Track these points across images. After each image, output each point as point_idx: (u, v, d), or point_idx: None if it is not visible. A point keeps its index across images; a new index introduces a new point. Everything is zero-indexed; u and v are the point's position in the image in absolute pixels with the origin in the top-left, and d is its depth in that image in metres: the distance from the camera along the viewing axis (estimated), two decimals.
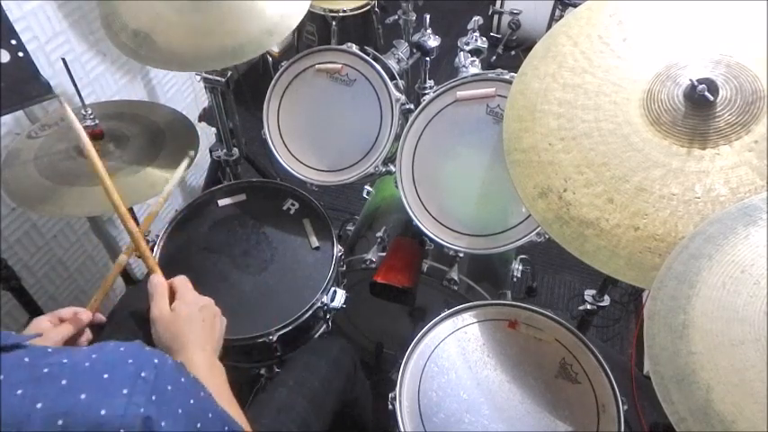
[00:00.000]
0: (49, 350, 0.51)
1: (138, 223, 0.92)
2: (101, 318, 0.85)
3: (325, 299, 1.17)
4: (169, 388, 0.52)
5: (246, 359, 1.20)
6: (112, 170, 1.10)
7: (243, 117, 1.58)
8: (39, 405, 0.45)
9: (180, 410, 0.51)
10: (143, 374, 0.50)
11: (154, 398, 0.49)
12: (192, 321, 0.77)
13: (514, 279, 1.44)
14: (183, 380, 0.55)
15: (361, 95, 1.24)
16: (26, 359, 0.48)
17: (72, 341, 0.80)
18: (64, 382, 0.47)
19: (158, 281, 0.81)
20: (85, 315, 0.82)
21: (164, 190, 1.04)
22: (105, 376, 0.49)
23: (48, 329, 0.77)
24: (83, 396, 0.46)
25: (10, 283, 1.25)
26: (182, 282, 0.83)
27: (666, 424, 0.61)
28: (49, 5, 1.34)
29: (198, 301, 0.81)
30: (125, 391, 0.48)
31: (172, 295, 0.82)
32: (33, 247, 1.47)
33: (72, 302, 1.64)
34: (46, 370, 0.47)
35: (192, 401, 0.54)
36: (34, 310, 1.36)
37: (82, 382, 0.48)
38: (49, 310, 1.45)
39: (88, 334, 0.83)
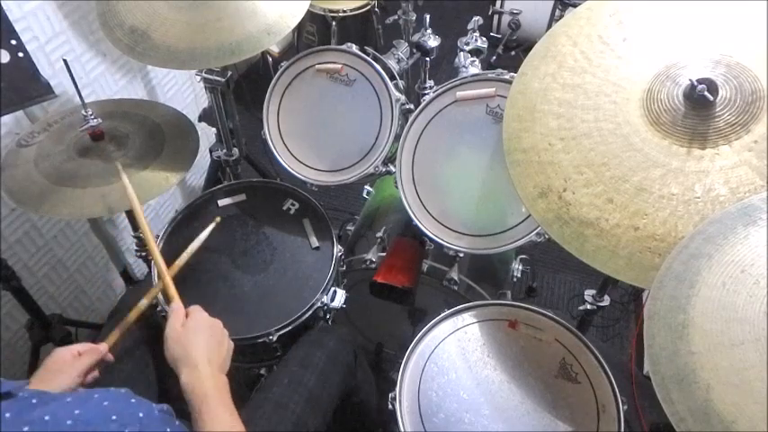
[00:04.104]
0: (34, 401, 0.50)
1: None
2: (110, 357, 0.89)
3: (326, 299, 1.17)
4: None
5: (246, 359, 1.20)
6: (113, 171, 1.10)
7: (243, 117, 1.58)
8: None
9: None
10: (126, 431, 0.50)
11: None
12: (199, 335, 0.83)
13: (514, 279, 1.44)
14: (168, 430, 0.55)
15: (361, 95, 1.24)
16: (7, 415, 0.47)
17: (83, 375, 0.83)
18: None
19: (177, 306, 0.87)
20: (102, 348, 0.87)
21: (189, 247, 1.09)
22: None
23: (68, 362, 0.81)
24: None
25: (10, 283, 1.25)
26: (196, 308, 0.89)
27: (666, 424, 0.61)
28: (48, 5, 1.34)
29: (207, 319, 0.87)
30: None
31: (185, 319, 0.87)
32: (33, 247, 1.47)
33: (72, 303, 1.65)
34: (26, 429, 0.46)
35: None
36: (34, 311, 1.36)
37: None
38: (49, 311, 1.46)
39: (95, 372, 0.87)
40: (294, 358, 1.09)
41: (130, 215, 1.46)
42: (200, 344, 0.81)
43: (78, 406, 0.50)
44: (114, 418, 0.50)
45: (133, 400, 0.54)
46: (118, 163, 1.07)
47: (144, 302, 0.95)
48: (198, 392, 0.75)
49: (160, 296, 1.05)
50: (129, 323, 0.93)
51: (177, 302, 0.89)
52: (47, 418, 0.48)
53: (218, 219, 1.20)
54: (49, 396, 0.52)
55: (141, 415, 0.52)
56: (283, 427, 0.96)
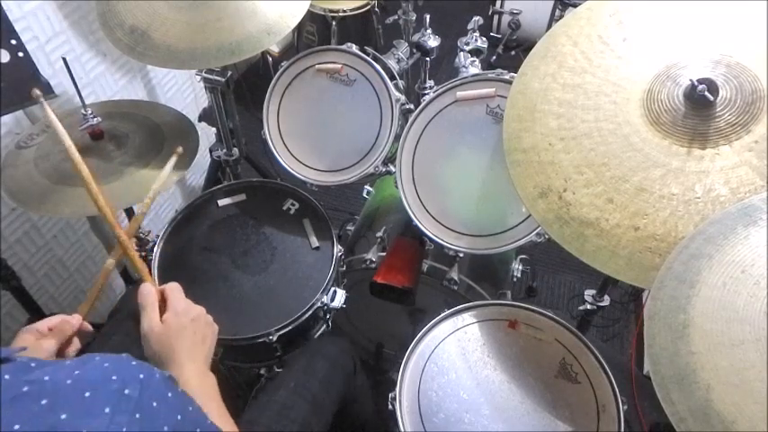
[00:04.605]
0: (32, 364, 0.50)
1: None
2: (88, 326, 0.84)
3: (326, 299, 1.17)
4: (155, 404, 0.51)
5: (246, 359, 1.20)
6: (112, 171, 1.10)
7: (243, 117, 1.58)
8: (16, 427, 0.44)
9: (166, 428, 0.50)
10: (127, 392, 0.49)
11: (138, 416, 0.48)
12: (183, 334, 0.76)
13: (514, 279, 1.44)
14: (170, 394, 0.54)
15: (361, 95, 1.24)
16: (6, 377, 0.47)
17: (60, 351, 0.78)
18: (44, 401, 0.46)
19: (148, 290, 0.78)
20: (75, 320, 0.81)
21: (150, 190, 0.99)
22: (87, 395, 0.47)
23: (32, 343, 0.75)
24: (63, 416, 0.45)
25: (10, 283, 1.25)
26: (173, 289, 0.80)
27: (666, 424, 0.61)
28: (48, 5, 1.34)
29: (189, 310, 0.79)
30: (107, 410, 0.47)
31: (163, 303, 0.79)
32: (33, 247, 1.47)
33: (72, 303, 1.65)
34: (26, 388, 0.46)
35: (179, 417, 0.53)
36: (34, 310, 1.36)
37: (63, 401, 0.46)
38: (49, 311, 1.46)
39: (76, 343, 0.81)
40: (297, 365, 1.10)
41: (130, 215, 1.46)
42: (183, 343, 0.75)
43: (78, 367, 0.50)
44: (114, 378, 0.50)
45: (134, 363, 0.53)
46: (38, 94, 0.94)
47: (110, 262, 0.87)
48: None
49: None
50: (98, 287, 0.86)
51: (148, 287, 0.79)
52: (46, 378, 0.48)
53: (179, 149, 1.10)
54: (47, 361, 0.52)
55: (142, 376, 0.51)
56: (288, 429, 0.97)
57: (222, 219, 1.29)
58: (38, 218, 1.45)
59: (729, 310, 0.62)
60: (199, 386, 0.72)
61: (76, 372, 0.49)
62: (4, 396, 0.45)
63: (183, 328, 0.76)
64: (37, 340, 0.76)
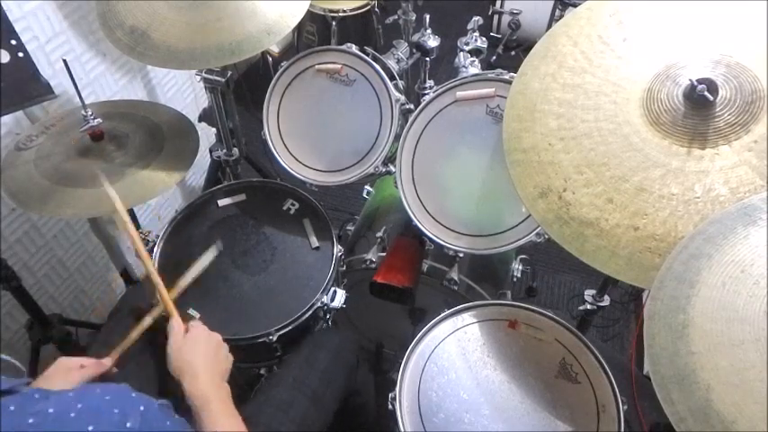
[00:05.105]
0: (36, 396, 0.51)
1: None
2: (114, 370, 0.93)
3: (325, 299, 1.17)
4: None
5: (246, 359, 1.20)
6: (113, 171, 1.10)
7: (243, 117, 1.58)
8: None
9: None
10: (128, 424, 0.51)
11: None
12: (198, 346, 0.88)
13: (514, 279, 1.44)
14: (168, 423, 0.57)
15: (361, 95, 1.24)
16: (11, 408, 0.48)
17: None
18: None
19: (178, 323, 0.91)
20: (106, 362, 0.90)
21: (189, 272, 1.10)
22: (90, 428, 0.49)
23: (71, 372, 0.84)
24: None
25: (10, 284, 1.25)
26: (196, 323, 0.93)
27: (666, 424, 0.61)
28: (48, 5, 1.34)
29: (207, 333, 0.91)
30: None
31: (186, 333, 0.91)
32: (33, 247, 1.47)
33: (72, 302, 1.65)
34: (31, 420, 0.48)
35: None
36: (34, 310, 1.36)
37: None
38: (50, 311, 1.46)
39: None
40: (297, 358, 1.10)
41: (131, 215, 1.46)
42: (199, 353, 0.86)
43: (80, 400, 0.52)
44: (116, 411, 0.52)
45: (134, 395, 0.56)
46: (101, 173, 1.03)
47: (148, 320, 0.97)
48: (200, 399, 0.78)
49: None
50: (132, 340, 0.95)
51: (177, 320, 0.92)
52: (51, 410, 0.49)
53: (219, 244, 1.20)
54: (50, 392, 0.53)
55: (142, 408, 0.54)
56: (286, 427, 0.96)
57: (222, 219, 1.29)
58: (38, 218, 1.45)
59: (729, 309, 0.62)
60: (214, 394, 0.80)
61: (79, 405, 0.51)
62: (8, 428, 0.46)
63: (200, 341, 0.88)
64: (69, 371, 0.84)
